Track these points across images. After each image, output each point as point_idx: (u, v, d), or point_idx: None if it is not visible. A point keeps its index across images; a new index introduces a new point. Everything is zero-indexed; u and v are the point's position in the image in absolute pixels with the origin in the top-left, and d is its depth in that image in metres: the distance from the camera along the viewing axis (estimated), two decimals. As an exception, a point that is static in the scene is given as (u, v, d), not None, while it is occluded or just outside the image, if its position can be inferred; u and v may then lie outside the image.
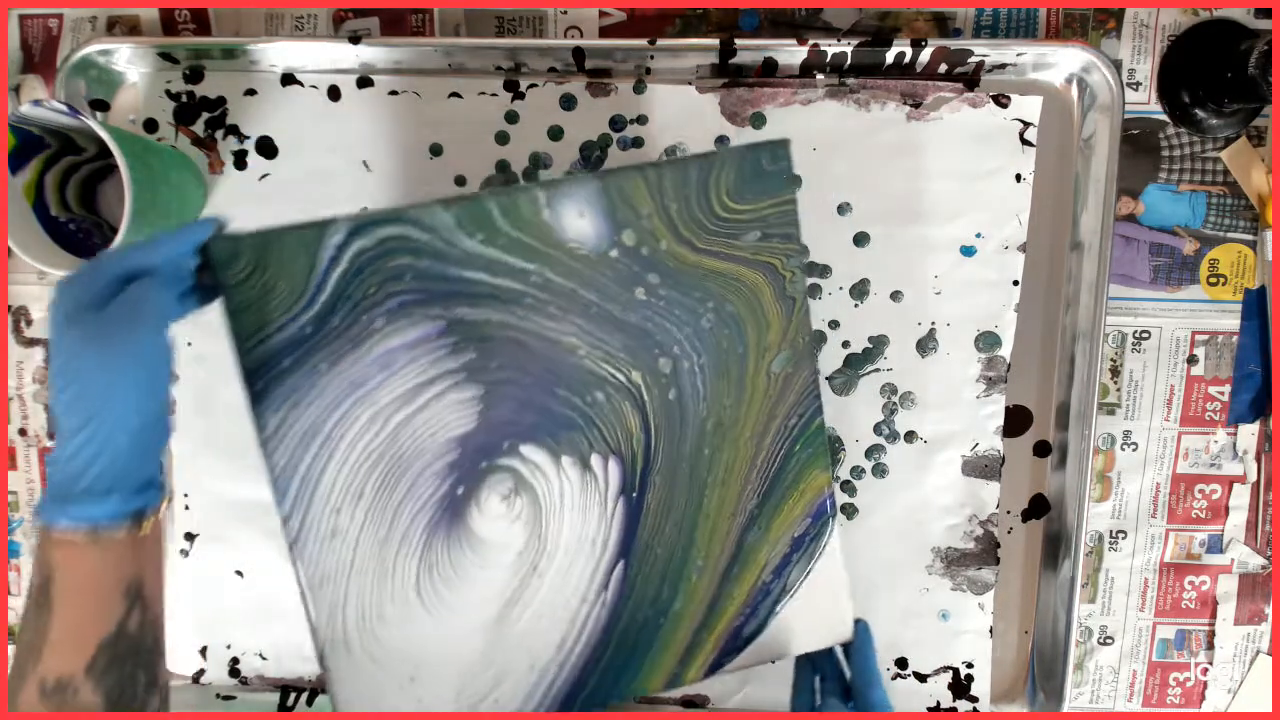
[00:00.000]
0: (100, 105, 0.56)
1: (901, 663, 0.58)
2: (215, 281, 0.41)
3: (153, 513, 0.39)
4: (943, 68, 0.55)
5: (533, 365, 0.44)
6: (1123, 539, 0.59)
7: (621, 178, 0.43)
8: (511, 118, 0.56)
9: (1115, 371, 0.58)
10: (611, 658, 0.47)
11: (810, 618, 0.48)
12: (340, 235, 0.41)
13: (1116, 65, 0.55)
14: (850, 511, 0.57)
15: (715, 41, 0.54)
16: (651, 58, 0.55)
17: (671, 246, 0.44)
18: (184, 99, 0.56)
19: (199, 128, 0.56)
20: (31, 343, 0.59)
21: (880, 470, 0.57)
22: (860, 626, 0.49)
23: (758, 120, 0.55)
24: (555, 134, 0.56)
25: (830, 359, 0.57)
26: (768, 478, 0.47)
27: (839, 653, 0.50)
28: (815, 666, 0.50)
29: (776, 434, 0.46)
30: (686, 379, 0.45)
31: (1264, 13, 0.55)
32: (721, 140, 0.56)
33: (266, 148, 0.56)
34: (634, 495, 0.46)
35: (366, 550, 0.44)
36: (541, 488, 0.45)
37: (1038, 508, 0.59)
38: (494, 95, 0.56)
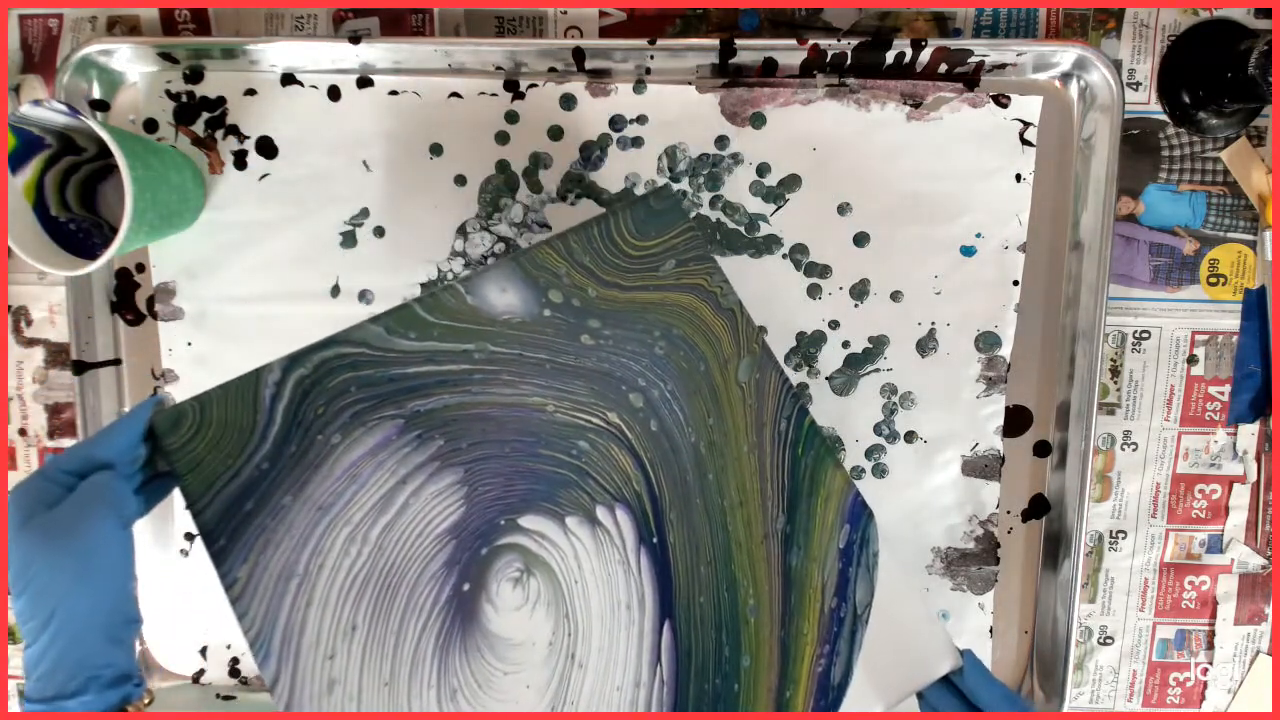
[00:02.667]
0: (100, 105, 0.56)
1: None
2: (162, 451, 0.40)
3: (135, 705, 0.38)
4: (943, 68, 0.55)
5: (506, 434, 0.42)
6: (1123, 539, 0.59)
7: (530, 252, 0.44)
8: (511, 118, 0.56)
9: (1115, 371, 0.58)
10: None
11: (900, 651, 0.43)
12: (277, 373, 0.41)
13: (1116, 65, 0.55)
14: (850, 511, 0.57)
15: (715, 41, 0.54)
16: (651, 58, 0.55)
17: (600, 292, 0.45)
18: (184, 99, 0.56)
19: (199, 128, 0.56)
20: (31, 343, 0.59)
21: (880, 470, 0.57)
22: (968, 657, 0.43)
23: (758, 120, 0.55)
24: (555, 134, 0.56)
25: (830, 359, 0.57)
26: (783, 489, 0.44)
27: (961, 689, 0.44)
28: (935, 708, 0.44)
29: (773, 442, 0.44)
30: (662, 407, 0.44)
31: (1264, 13, 0.55)
32: (721, 140, 0.56)
33: (266, 148, 0.56)
34: (654, 541, 0.43)
35: (373, 699, 0.40)
36: (554, 559, 0.42)
37: (1038, 508, 0.59)
38: (494, 95, 0.56)
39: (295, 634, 0.40)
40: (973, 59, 0.55)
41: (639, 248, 0.45)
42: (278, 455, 0.40)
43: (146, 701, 0.39)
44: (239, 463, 0.40)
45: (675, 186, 0.56)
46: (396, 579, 0.41)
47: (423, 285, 0.56)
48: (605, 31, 0.57)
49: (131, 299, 0.58)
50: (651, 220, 0.46)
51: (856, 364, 0.57)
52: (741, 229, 0.56)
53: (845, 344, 0.57)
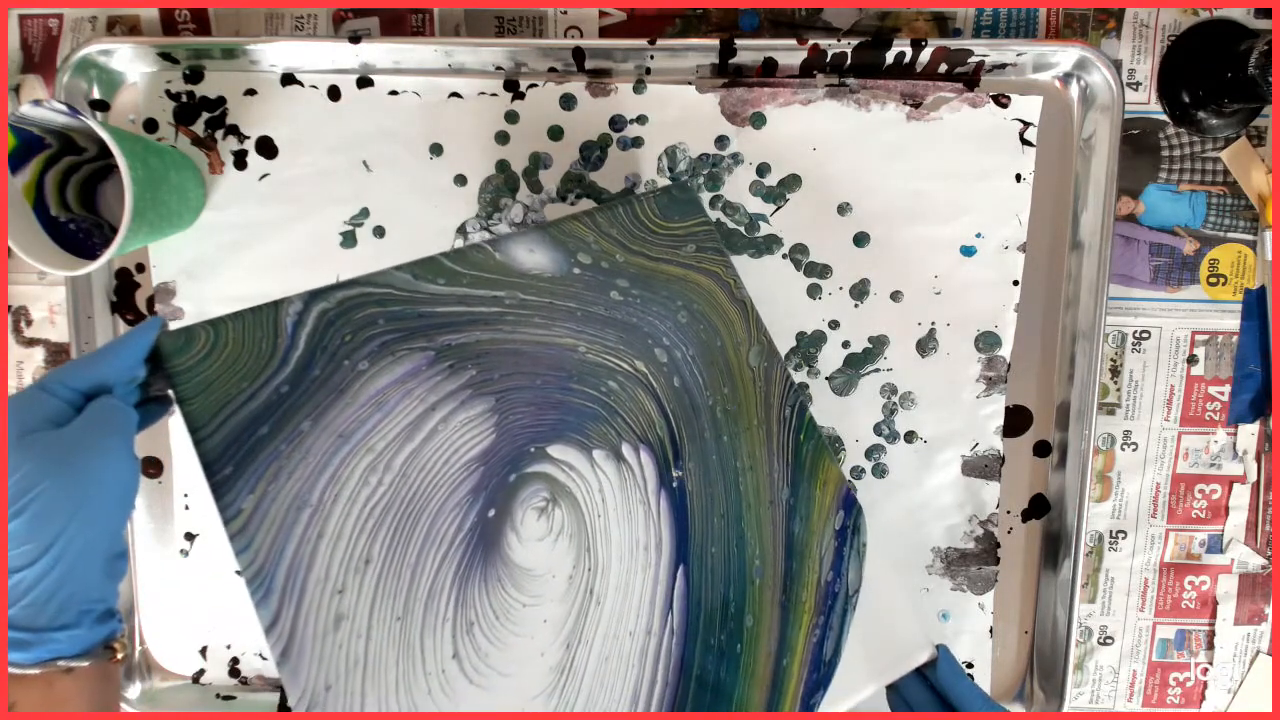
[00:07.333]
0: (100, 105, 0.56)
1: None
2: (167, 373, 0.38)
3: (119, 640, 0.37)
4: (943, 68, 0.55)
5: (538, 368, 0.43)
6: (1123, 539, 0.59)
7: (559, 223, 0.46)
8: (511, 118, 0.56)
9: (1115, 371, 0.58)
10: (694, 708, 0.41)
11: (883, 639, 0.44)
12: (298, 304, 0.40)
13: (1116, 65, 0.55)
14: (850, 511, 0.57)
15: (715, 41, 0.54)
16: (651, 58, 0.55)
17: (628, 258, 0.46)
18: (184, 99, 0.56)
19: (199, 128, 0.56)
20: (31, 343, 0.59)
21: (880, 470, 0.57)
22: (942, 651, 0.44)
23: (758, 120, 0.55)
24: (555, 134, 0.56)
25: (830, 359, 0.57)
26: (789, 465, 0.45)
27: (932, 681, 0.45)
28: (909, 704, 0.45)
29: (779, 424, 0.45)
30: (684, 367, 0.45)
31: (1264, 13, 0.55)
32: (721, 140, 0.56)
33: (266, 148, 0.56)
34: (674, 486, 0.43)
35: (383, 635, 0.38)
36: (580, 489, 0.42)
37: (1038, 508, 0.59)
38: (494, 95, 0.56)
39: (302, 568, 0.37)
40: (973, 59, 0.55)
41: (662, 227, 0.48)
42: (299, 379, 0.39)
43: (124, 638, 0.38)
44: (255, 385, 0.38)
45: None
46: (418, 508, 0.39)
47: None
48: (605, 31, 0.57)
49: (131, 299, 0.58)
50: (674, 206, 0.48)
51: (856, 364, 0.57)
52: (741, 229, 0.56)
53: (845, 344, 0.57)
